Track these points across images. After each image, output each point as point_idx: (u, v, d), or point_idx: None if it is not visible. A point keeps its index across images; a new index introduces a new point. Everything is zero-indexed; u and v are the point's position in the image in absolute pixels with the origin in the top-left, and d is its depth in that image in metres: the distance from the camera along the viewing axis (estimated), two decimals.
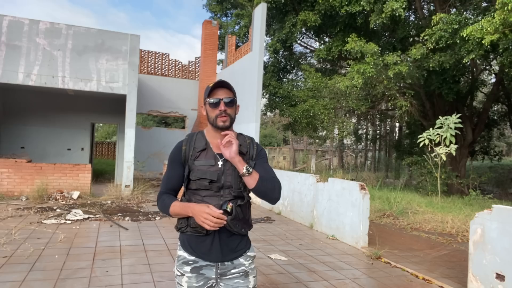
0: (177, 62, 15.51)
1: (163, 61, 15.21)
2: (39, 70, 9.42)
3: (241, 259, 1.78)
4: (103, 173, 15.04)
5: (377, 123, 23.66)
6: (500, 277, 3.59)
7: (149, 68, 14.92)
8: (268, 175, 1.75)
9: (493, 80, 16.82)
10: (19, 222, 6.30)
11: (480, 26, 8.43)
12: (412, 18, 15.44)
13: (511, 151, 34.32)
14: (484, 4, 11.69)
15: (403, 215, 8.15)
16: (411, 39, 14.35)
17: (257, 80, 10.23)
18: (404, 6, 10.63)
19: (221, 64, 17.79)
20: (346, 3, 12.36)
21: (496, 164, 18.49)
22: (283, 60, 18.24)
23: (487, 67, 15.74)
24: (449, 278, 4.47)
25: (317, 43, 19.38)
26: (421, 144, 9.99)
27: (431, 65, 10.77)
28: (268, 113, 23.65)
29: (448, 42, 9.91)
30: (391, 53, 11.12)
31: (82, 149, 13.02)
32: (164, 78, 15.03)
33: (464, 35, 8.88)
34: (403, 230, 7.21)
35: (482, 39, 8.47)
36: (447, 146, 9.38)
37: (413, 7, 14.23)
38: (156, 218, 7.28)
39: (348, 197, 6.07)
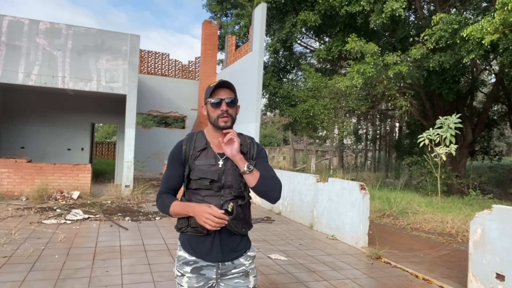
0: (177, 62, 15.51)
1: (163, 61, 15.22)
2: (39, 70, 9.42)
3: (241, 259, 1.78)
4: (103, 173, 15.04)
5: (377, 123, 23.66)
6: (500, 277, 3.59)
7: (149, 68, 14.93)
8: (268, 174, 1.75)
9: (493, 80, 16.83)
10: (19, 222, 6.30)
11: (480, 26, 8.43)
12: (412, 18, 15.44)
13: (511, 151, 34.32)
14: (484, 4, 11.68)
15: (403, 215, 8.15)
16: (411, 39, 14.35)
17: (257, 80, 10.23)
18: (404, 6, 10.64)
19: (221, 64, 17.80)
20: (346, 3, 12.36)
21: (496, 164, 18.49)
22: (283, 60, 18.25)
23: (487, 67, 15.75)
24: (449, 278, 4.46)
25: (317, 43, 19.40)
26: (421, 144, 9.99)
27: (431, 65, 10.77)
28: (268, 113, 23.66)
29: (448, 42, 9.91)
30: (391, 53, 11.12)
31: (82, 149, 13.02)
32: (164, 78, 15.03)
33: (464, 35, 8.88)
34: (403, 230, 7.21)
35: (482, 39, 8.47)
36: (447, 146, 9.38)
37: (413, 7, 14.23)
38: (156, 218, 7.28)
39: (348, 197, 6.07)
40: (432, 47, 10.41)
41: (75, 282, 3.82)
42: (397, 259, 5.18)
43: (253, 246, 1.88)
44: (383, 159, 24.45)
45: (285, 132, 33.42)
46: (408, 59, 11.08)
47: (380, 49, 11.44)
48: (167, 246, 5.33)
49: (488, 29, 8.22)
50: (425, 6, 15.10)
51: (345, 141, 26.14)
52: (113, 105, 12.61)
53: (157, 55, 15.10)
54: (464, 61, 10.01)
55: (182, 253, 1.76)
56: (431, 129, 9.94)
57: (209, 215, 1.56)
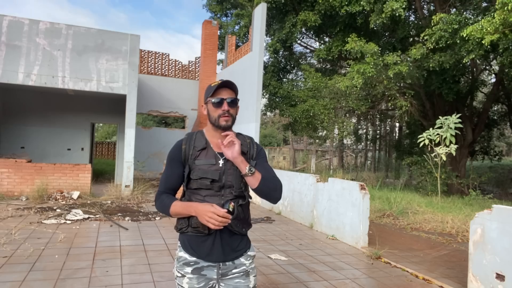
0: (177, 62, 15.51)
1: (163, 61, 15.22)
2: (39, 70, 9.42)
3: (242, 259, 1.78)
4: (103, 173, 15.04)
5: (377, 123, 23.66)
6: (500, 277, 3.59)
7: (149, 68, 14.93)
8: (269, 174, 1.76)
9: (493, 80, 16.83)
10: (19, 222, 6.30)
11: (480, 26, 8.43)
12: (412, 18, 15.44)
13: (511, 151, 34.32)
14: (484, 4, 11.69)
15: (403, 215, 8.15)
16: (411, 39, 14.35)
17: (257, 80, 10.24)
18: (404, 6, 10.64)
19: (221, 64, 17.80)
20: (346, 3, 12.37)
21: (496, 164, 18.49)
22: (283, 60, 18.25)
23: (487, 67, 15.75)
24: (449, 278, 4.46)
25: (317, 43, 19.39)
26: (421, 144, 9.99)
27: (431, 65, 10.77)
28: (268, 113, 23.67)
29: (448, 42, 9.91)
30: (391, 53, 11.12)
31: (82, 149, 13.02)
32: (164, 78, 15.03)
33: (464, 35, 8.88)
34: (403, 230, 7.20)
35: (482, 39, 8.47)
36: (447, 146, 9.38)
37: (413, 7, 14.23)
38: (156, 218, 7.28)
39: (348, 197, 6.07)
40: (432, 47, 10.41)
41: (75, 282, 3.82)
42: (397, 259, 5.18)
43: (253, 245, 1.88)
44: (383, 159, 24.46)
45: (285, 132, 33.43)
46: (408, 59, 11.08)
47: (380, 49, 11.44)
48: (167, 246, 5.33)
49: (488, 29, 8.22)
50: (425, 6, 15.10)
51: (345, 141, 26.14)
52: (113, 105, 12.61)
53: (157, 55, 15.10)
54: (464, 61, 10.01)
55: (183, 254, 1.76)
56: (431, 129, 9.94)
57: (213, 214, 1.56)
